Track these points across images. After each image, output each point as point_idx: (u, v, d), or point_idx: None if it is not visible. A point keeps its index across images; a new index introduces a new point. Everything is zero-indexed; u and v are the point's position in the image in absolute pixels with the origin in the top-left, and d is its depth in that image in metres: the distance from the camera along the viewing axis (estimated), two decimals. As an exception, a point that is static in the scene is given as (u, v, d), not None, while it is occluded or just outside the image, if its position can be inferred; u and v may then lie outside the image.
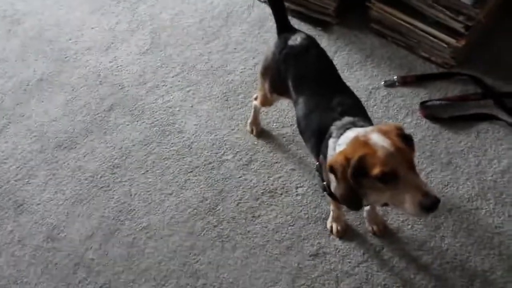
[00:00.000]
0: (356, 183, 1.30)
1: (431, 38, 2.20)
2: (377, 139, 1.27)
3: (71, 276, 1.80)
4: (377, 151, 1.25)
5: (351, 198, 1.36)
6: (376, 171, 1.24)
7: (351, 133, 1.37)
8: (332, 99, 1.54)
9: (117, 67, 2.40)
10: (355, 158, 1.27)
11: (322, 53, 1.70)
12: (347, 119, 1.47)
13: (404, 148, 1.26)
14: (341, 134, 1.41)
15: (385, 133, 1.28)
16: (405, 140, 1.31)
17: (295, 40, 1.68)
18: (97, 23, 2.59)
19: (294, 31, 1.74)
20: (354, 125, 1.44)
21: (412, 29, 2.23)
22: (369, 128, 1.35)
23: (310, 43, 1.70)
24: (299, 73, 1.65)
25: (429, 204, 1.23)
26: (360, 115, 1.52)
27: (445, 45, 2.17)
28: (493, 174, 1.93)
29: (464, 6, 2.05)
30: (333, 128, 1.46)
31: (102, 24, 2.58)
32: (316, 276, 1.74)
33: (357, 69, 2.28)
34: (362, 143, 1.29)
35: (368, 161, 1.26)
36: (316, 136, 1.52)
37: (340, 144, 1.38)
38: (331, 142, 1.44)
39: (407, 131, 2.00)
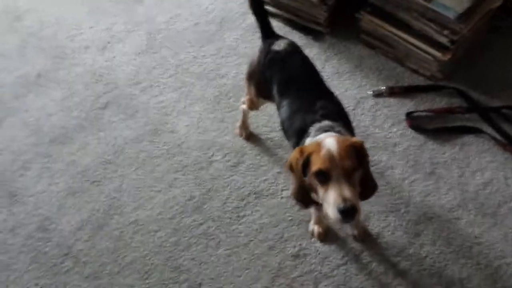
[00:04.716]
0: (304, 177, 1.42)
1: (418, 51, 2.26)
2: (328, 143, 1.37)
3: (59, 265, 1.84)
4: (322, 151, 1.36)
5: (301, 193, 1.47)
6: (314, 167, 1.36)
7: (323, 136, 1.44)
8: (315, 103, 1.60)
9: (113, 66, 2.46)
10: (305, 154, 1.40)
11: (306, 58, 1.77)
12: (326, 123, 1.53)
13: (345, 157, 1.35)
14: (317, 135, 1.48)
15: (338, 141, 1.38)
16: (358, 154, 1.39)
17: (280, 45, 1.75)
18: (95, 23, 2.65)
19: (278, 37, 1.80)
20: (332, 129, 1.51)
21: (401, 41, 2.29)
22: (332, 134, 1.45)
23: (294, 48, 1.76)
24: (284, 77, 1.70)
25: (343, 208, 1.31)
26: (340, 120, 1.58)
27: (432, 58, 2.23)
28: (476, 185, 1.98)
29: (449, 21, 2.11)
30: (312, 129, 1.53)
31: (99, 23, 2.64)
32: (296, 276, 1.78)
33: (346, 78, 2.35)
34: (317, 143, 1.40)
35: (313, 158, 1.38)
36: (297, 136, 1.59)
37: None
38: (307, 141, 1.50)
39: (393, 140, 2.12)
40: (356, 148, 1.39)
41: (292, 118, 1.64)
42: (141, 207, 1.97)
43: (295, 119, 1.62)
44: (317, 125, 1.53)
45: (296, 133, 1.60)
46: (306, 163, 1.40)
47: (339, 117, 1.60)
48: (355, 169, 1.37)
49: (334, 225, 1.88)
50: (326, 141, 1.39)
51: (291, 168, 1.46)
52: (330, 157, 1.34)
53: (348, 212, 1.32)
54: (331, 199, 1.34)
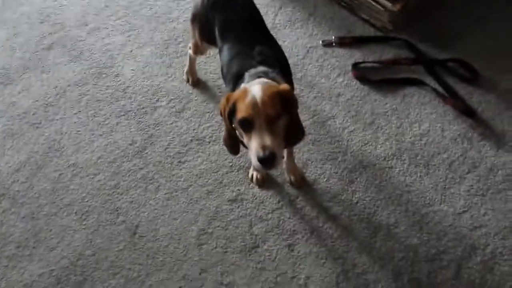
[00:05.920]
0: (231, 124, 1.43)
1: (370, 0, 2.25)
2: (254, 90, 1.37)
3: (-5, 206, 1.86)
4: (246, 99, 1.36)
5: (229, 139, 1.50)
6: (238, 115, 1.38)
7: (255, 82, 1.44)
8: (253, 48, 1.59)
9: (60, 6, 2.39)
10: (232, 101, 1.40)
11: (249, 2, 1.74)
12: (261, 69, 1.53)
13: (268, 104, 1.35)
14: (251, 81, 1.48)
15: (264, 88, 1.38)
16: (284, 101, 1.40)
17: None
18: (42, -40, 2.54)
19: None
20: (266, 75, 1.50)
21: (355, -10, 2.28)
22: (261, 81, 1.44)
23: None
24: (225, 21, 1.68)
25: (262, 156, 1.34)
26: (277, 67, 1.57)
27: (383, 9, 2.22)
28: (412, 136, 2.03)
29: (401, -29, 2.10)
30: (247, 75, 1.52)
31: (47, -39, 2.54)
32: (231, 219, 1.84)
33: (298, 26, 2.33)
34: (243, 91, 1.40)
35: (238, 106, 1.38)
36: (234, 81, 1.58)
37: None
38: (241, 86, 1.51)
39: (337, 90, 2.14)
40: (282, 95, 1.40)
41: (230, 63, 1.63)
42: (81, 150, 1.98)
43: (233, 64, 1.61)
44: (252, 71, 1.52)
45: (233, 78, 1.59)
46: (233, 111, 1.41)
47: (277, 64, 1.59)
48: (279, 116, 1.38)
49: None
50: (252, 88, 1.39)
51: (221, 114, 1.48)
52: (254, 105, 1.35)
53: (268, 160, 1.34)
54: (253, 147, 1.36)
